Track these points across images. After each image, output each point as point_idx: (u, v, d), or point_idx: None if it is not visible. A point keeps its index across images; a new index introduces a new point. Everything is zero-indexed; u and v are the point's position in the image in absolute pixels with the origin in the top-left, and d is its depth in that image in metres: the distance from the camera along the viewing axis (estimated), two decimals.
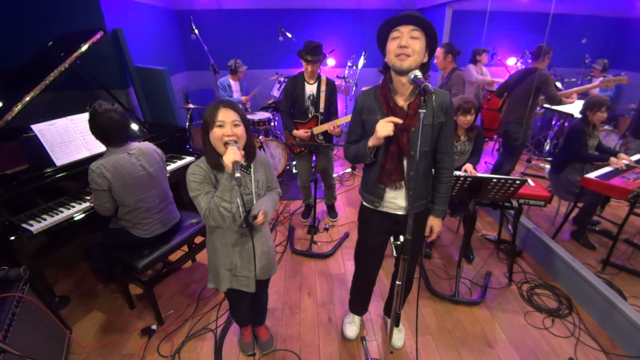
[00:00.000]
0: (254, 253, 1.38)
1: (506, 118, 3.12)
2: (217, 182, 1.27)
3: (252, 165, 1.36)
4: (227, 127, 1.19)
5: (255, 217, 1.31)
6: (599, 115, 2.44)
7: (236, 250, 1.40)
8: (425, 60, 1.20)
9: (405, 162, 1.32)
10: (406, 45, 1.13)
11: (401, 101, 1.27)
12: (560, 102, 2.89)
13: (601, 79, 4.12)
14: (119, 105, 1.74)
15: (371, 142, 1.27)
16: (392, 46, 1.16)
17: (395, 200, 1.41)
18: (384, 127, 1.18)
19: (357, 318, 1.91)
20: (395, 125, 1.20)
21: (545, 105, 3.20)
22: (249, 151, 1.31)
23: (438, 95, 1.25)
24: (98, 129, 1.68)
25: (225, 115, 1.19)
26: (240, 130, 1.21)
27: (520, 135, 2.96)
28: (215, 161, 1.24)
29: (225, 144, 1.18)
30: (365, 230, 1.58)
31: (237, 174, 1.08)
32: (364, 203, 1.53)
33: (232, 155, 1.11)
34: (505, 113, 3.18)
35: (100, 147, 1.79)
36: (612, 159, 2.39)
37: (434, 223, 1.49)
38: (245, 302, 1.63)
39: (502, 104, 3.44)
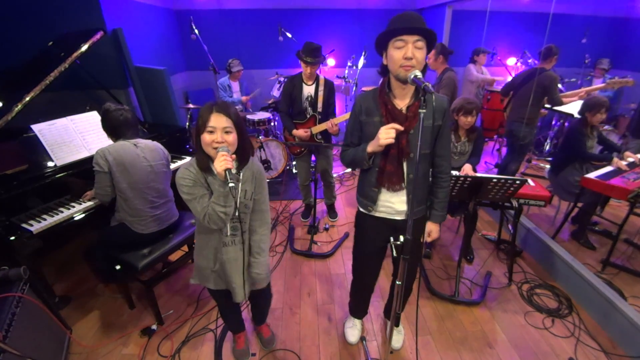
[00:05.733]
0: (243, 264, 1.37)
1: (511, 117, 3.13)
2: (209, 185, 1.25)
3: (242, 172, 1.29)
4: (217, 133, 1.15)
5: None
6: (598, 117, 2.45)
7: (218, 257, 1.37)
8: (424, 64, 1.20)
9: (405, 165, 1.31)
10: (412, 56, 1.11)
11: (400, 104, 1.26)
12: (561, 104, 2.90)
13: (604, 79, 4.12)
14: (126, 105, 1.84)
15: (371, 147, 1.26)
16: (396, 55, 1.14)
17: (393, 205, 1.38)
18: (386, 134, 1.17)
19: (357, 321, 1.91)
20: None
21: (546, 105, 3.21)
22: (241, 155, 1.27)
23: (436, 99, 1.25)
24: (111, 125, 1.81)
25: (217, 121, 1.15)
26: (232, 138, 1.18)
27: (526, 134, 2.97)
28: (205, 164, 1.22)
29: (215, 148, 1.16)
30: (361, 236, 1.57)
31: (231, 184, 1.08)
32: (360, 208, 1.51)
33: (222, 163, 1.10)
34: (510, 113, 3.19)
35: (100, 147, 1.80)
36: (615, 159, 2.39)
37: (432, 228, 1.47)
38: (233, 307, 1.61)
39: (507, 104, 3.45)
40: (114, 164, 1.72)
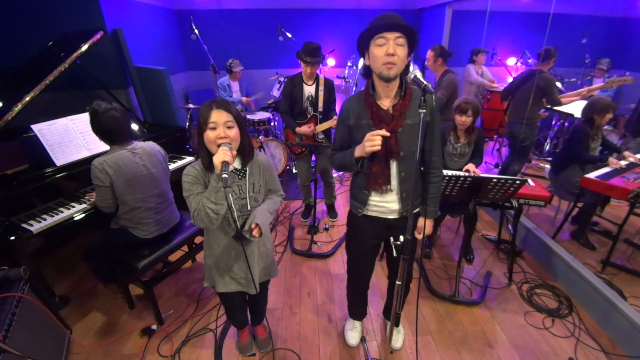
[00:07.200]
0: (246, 257, 1.35)
1: (511, 119, 3.13)
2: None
3: (247, 168, 1.31)
4: (219, 129, 1.15)
5: (250, 230, 1.27)
6: (606, 118, 2.44)
7: (231, 254, 1.39)
8: (406, 62, 1.20)
9: (395, 165, 1.31)
10: (393, 53, 1.12)
11: (385, 104, 1.26)
12: (560, 104, 2.91)
13: (604, 79, 4.12)
14: (117, 104, 1.74)
15: (357, 152, 1.26)
16: (378, 53, 1.14)
17: (386, 204, 1.38)
18: (371, 142, 1.16)
19: (357, 323, 1.90)
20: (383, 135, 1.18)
21: (546, 106, 3.21)
22: (245, 153, 1.27)
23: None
24: (101, 128, 1.69)
25: (218, 116, 1.15)
26: (234, 132, 1.18)
27: (526, 135, 2.98)
28: (208, 162, 1.21)
29: (219, 145, 1.15)
30: (354, 235, 1.56)
31: (224, 175, 1.05)
32: (351, 209, 1.52)
33: (221, 155, 1.09)
34: (510, 114, 3.19)
35: (101, 147, 1.80)
36: (611, 159, 2.39)
37: (425, 224, 1.46)
38: (240, 304, 1.62)
39: (507, 107, 3.44)
40: (115, 177, 1.68)
